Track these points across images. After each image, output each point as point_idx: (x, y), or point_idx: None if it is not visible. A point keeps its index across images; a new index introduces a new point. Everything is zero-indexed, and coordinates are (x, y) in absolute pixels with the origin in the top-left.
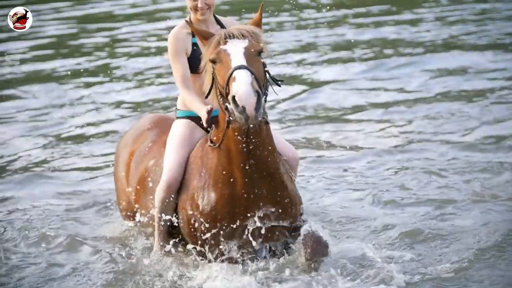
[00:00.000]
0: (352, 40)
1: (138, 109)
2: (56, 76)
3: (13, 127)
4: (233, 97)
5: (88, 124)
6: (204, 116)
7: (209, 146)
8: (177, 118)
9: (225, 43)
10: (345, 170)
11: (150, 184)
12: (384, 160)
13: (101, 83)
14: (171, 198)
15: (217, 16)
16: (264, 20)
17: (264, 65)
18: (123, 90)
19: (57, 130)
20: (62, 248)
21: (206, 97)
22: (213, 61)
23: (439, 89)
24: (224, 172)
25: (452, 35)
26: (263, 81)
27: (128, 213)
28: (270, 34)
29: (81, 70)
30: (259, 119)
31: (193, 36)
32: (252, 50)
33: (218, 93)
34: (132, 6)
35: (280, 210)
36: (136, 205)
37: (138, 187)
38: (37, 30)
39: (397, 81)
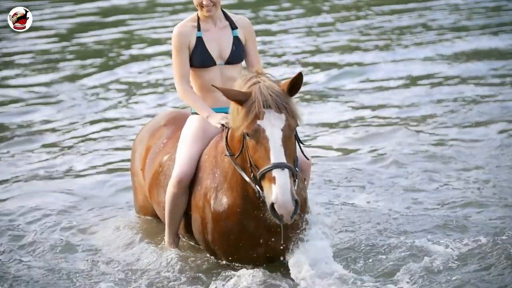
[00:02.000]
0: (363, 29)
1: (151, 101)
2: (67, 69)
3: (25, 119)
4: (272, 204)
5: (101, 116)
6: (217, 126)
7: (226, 155)
8: (192, 113)
9: (263, 116)
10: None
11: (164, 180)
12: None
13: (111, 75)
14: (182, 194)
15: (226, 12)
16: (272, 15)
17: (296, 136)
18: (136, 82)
19: (70, 121)
20: (73, 242)
21: (236, 157)
22: (248, 135)
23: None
24: (238, 184)
25: (471, 20)
26: (294, 158)
27: (144, 208)
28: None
29: (93, 64)
30: (293, 219)
31: (199, 29)
32: (289, 130)
33: (249, 164)
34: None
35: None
36: (151, 200)
37: (152, 183)
38: (47, 24)
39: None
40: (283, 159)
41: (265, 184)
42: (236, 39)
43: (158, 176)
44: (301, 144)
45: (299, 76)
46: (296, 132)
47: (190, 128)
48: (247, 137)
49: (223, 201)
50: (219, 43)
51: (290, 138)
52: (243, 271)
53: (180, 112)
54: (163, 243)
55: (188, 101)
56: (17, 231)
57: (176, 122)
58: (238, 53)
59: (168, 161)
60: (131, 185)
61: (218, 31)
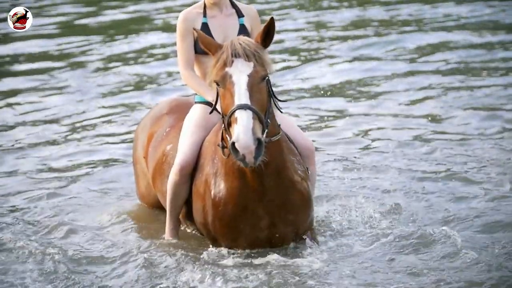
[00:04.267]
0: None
1: (156, 84)
2: (72, 54)
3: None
4: (233, 144)
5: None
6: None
7: (218, 145)
8: (195, 102)
9: (231, 63)
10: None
11: (167, 169)
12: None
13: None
14: (184, 183)
15: (233, 0)
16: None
17: (269, 86)
18: (142, 64)
19: (78, 105)
20: (68, 230)
21: (211, 112)
22: (217, 83)
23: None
24: (233, 166)
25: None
26: (265, 109)
27: (145, 197)
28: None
29: (98, 47)
30: (259, 162)
31: (204, 15)
32: (256, 76)
33: (222, 116)
34: None
35: (288, 206)
36: (155, 190)
37: (155, 172)
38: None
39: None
40: (246, 101)
41: (231, 128)
42: (242, 27)
43: (162, 165)
44: (276, 100)
45: (271, 21)
46: (269, 84)
47: (193, 117)
48: (218, 87)
49: (222, 186)
50: (224, 30)
51: (259, 86)
52: (243, 261)
53: (182, 101)
54: (163, 236)
55: (193, 86)
56: (12, 217)
57: (179, 110)
58: None
59: (172, 150)
60: (131, 173)
61: (224, 18)
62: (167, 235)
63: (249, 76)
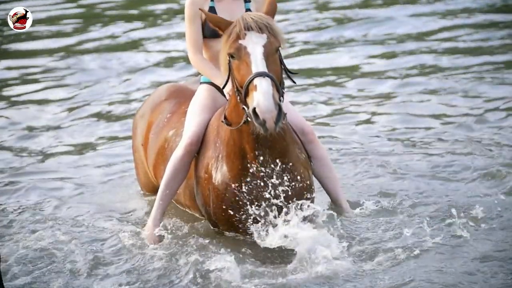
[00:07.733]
0: None
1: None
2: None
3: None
4: (254, 109)
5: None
6: (229, 94)
7: (222, 122)
8: (201, 83)
9: (244, 36)
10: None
11: (170, 155)
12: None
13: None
14: (187, 161)
15: None
16: None
17: (281, 60)
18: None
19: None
20: (63, 219)
21: (223, 87)
22: (232, 56)
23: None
24: (235, 145)
25: None
26: (280, 79)
27: (146, 185)
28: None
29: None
30: (278, 128)
31: None
32: (271, 48)
33: (236, 89)
34: None
35: (289, 186)
36: (155, 177)
37: (158, 159)
38: None
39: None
40: (264, 69)
41: (249, 97)
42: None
43: (164, 151)
44: (288, 72)
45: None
46: (281, 56)
47: (198, 99)
48: (232, 60)
49: (223, 170)
50: (231, 14)
51: (273, 56)
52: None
53: (180, 86)
54: (143, 230)
55: (202, 70)
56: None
57: (178, 96)
58: None
59: (174, 136)
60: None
61: (231, 2)
62: (149, 226)
63: (264, 46)
